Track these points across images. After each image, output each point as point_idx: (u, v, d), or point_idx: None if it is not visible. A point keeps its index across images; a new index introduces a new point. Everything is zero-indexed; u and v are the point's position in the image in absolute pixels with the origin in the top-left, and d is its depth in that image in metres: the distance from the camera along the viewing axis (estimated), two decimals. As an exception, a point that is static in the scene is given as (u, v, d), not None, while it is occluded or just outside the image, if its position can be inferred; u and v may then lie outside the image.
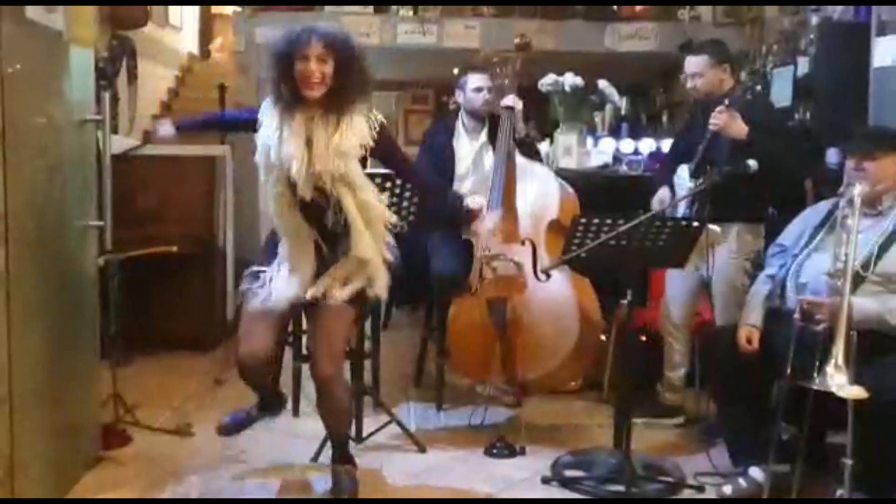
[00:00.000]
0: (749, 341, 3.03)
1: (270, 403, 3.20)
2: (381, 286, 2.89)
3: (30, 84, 2.64)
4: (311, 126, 2.75)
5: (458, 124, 4.23)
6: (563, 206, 3.78)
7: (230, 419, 3.14)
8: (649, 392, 3.92)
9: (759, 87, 5.41)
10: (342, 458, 3.08)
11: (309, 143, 2.74)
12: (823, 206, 3.24)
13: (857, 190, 2.83)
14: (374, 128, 2.85)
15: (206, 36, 9.50)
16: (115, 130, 3.50)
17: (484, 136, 4.17)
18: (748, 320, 3.10)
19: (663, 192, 3.83)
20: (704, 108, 3.70)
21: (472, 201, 3.74)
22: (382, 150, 2.95)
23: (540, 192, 3.83)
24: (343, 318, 2.89)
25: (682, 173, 3.75)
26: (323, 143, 2.74)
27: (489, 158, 4.07)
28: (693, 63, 3.72)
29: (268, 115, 2.81)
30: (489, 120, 4.16)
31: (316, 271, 2.86)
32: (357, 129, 2.80)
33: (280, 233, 2.88)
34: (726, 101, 3.50)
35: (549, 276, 3.54)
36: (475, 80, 4.13)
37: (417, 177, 3.36)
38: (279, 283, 2.85)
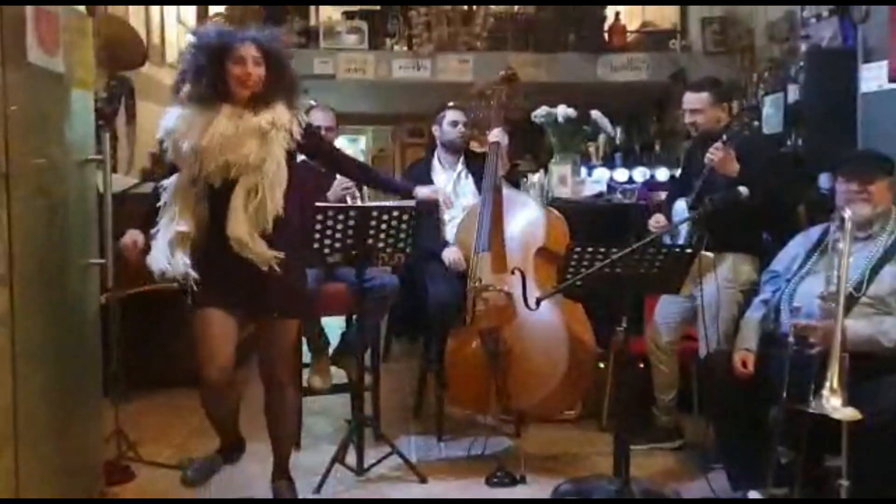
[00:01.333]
0: (744, 365, 3.06)
1: (231, 448, 3.21)
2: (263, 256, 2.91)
3: (31, 126, 2.68)
4: (238, 121, 2.86)
5: (434, 158, 4.35)
6: (550, 232, 3.82)
7: (194, 471, 3.13)
8: (647, 418, 3.93)
9: (755, 123, 5.49)
10: (285, 472, 3.18)
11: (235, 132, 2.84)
12: (815, 231, 3.28)
13: (848, 213, 2.87)
14: (301, 124, 2.97)
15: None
16: (114, 169, 3.55)
17: (460, 166, 4.30)
18: (743, 345, 3.13)
19: (658, 216, 3.90)
20: (702, 145, 3.74)
21: (446, 257, 3.97)
22: (310, 145, 3.04)
23: (526, 221, 3.88)
24: (293, 332, 3.10)
25: (680, 207, 3.78)
26: (235, 133, 2.84)
27: (468, 185, 4.22)
28: (693, 100, 3.76)
29: (182, 115, 2.89)
30: (465, 154, 4.31)
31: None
32: (281, 117, 2.90)
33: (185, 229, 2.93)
34: (724, 138, 3.53)
35: (538, 304, 3.56)
36: (452, 115, 4.28)
37: (349, 164, 3.39)
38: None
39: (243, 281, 2.90)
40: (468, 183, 4.24)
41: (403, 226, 3.42)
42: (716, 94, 3.75)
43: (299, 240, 3.12)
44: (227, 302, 2.93)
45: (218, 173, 2.87)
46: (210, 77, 2.85)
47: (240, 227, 2.85)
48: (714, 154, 3.50)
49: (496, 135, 4.04)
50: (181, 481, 3.12)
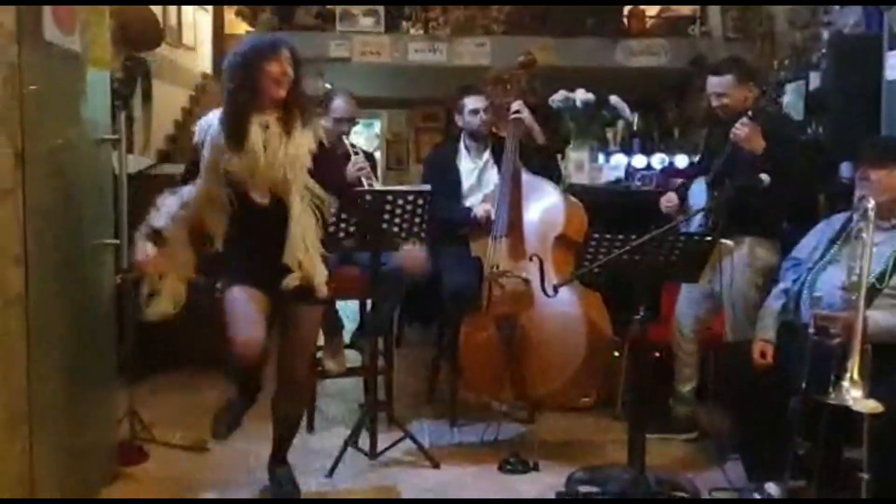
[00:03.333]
0: (763, 356, 3.03)
1: (249, 389, 3.14)
2: (319, 284, 2.97)
3: (47, 105, 2.67)
4: (266, 134, 2.86)
5: (461, 145, 4.27)
6: (570, 220, 3.78)
7: (221, 423, 3.11)
8: (662, 407, 3.91)
9: (781, 99, 5.42)
10: (284, 459, 3.18)
11: (264, 149, 2.85)
12: (837, 218, 3.23)
13: (872, 203, 2.83)
14: (319, 138, 2.99)
15: (219, 55, 9.57)
16: (129, 150, 3.53)
17: (486, 155, 4.20)
18: (762, 335, 3.09)
19: (670, 194, 3.87)
20: (724, 124, 3.69)
21: (478, 210, 3.89)
22: (323, 162, 3.01)
23: (545, 208, 3.83)
24: (317, 322, 3.11)
25: (698, 186, 3.75)
26: (279, 150, 2.86)
27: (493, 174, 4.12)
28: (718, 84, 3.70)
29: (214, 129, 2.90)
30: (492, 140, 4.19)
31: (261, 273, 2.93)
32: (307, 139, 2.94)
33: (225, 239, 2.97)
34: (749, 114, 3.49)
35: (556, 291, 3.54)
36: (472, 102, 4.16)
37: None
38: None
39: (269, 270, 2.90)
40: (493, 172, 4.13)
41: (419, 210, 3.40)
42: (739, 74, 3.69)
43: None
44: (259, 282, 2.94)
45: (266, 190, 2.88)
46: (245, 85, 2.84)
47: (299, 251, 2.91)
48: (740, 130, 3.45)
49: (517, 106, 3.93)
50: (212, 435, 3.12)
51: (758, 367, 3.02)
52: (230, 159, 2.85)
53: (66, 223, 2.85)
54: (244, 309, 2.90)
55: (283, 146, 2.87)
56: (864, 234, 2.75)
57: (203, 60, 8.41)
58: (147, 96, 5.43)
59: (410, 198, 3.38)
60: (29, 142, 2.52)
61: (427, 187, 3.63)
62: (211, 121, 2.94)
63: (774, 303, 3.16)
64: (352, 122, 4.23)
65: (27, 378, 2.55)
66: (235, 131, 2.84)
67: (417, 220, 3.42)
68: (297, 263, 2.90)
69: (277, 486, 3.13)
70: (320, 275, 2.96)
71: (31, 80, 2.52)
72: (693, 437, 3.83)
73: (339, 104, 4.12)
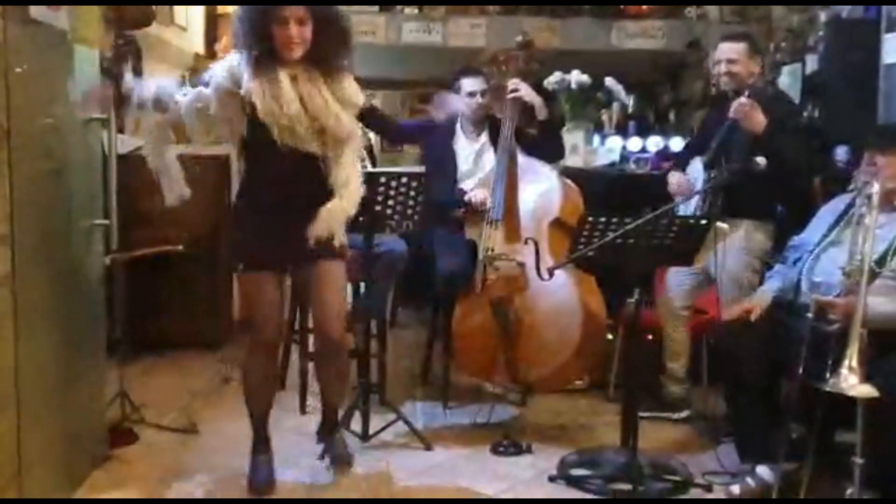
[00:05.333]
0: (748, 312, 3.08)
1: (265, 445, 3.15)
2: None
3: (35, 84, 2.63)
4: (297, 85, 2.76)
5: (457, 127, 4.20)
6: (566, 203, 3.76)
7: (257, 478, 3.06)
8: (655, 388, 3.90)
9: (778, 80, 5.40)
10: (336, 426, 3.23)
11: (302, 101, 2.76)
12: (840, 200, 3.23)
13: (876, 188, 2.81)
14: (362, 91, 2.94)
15: (211, 35, 9.49)
16: (120, 130, 3.49)
17: (484, 137, 4.15)
18: (755, 298, 3.15)
19: (677, 174, 3.83)
20: (722, 104, 3.67)
21: (474, 196, 3.82)
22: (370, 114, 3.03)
23: (541, 191, 3.81)
24: (342, 276, 3.03)
25: (697, 165, 3.73)
26: (319, 100, 2.78)
27: (490, 157, 4.06)
28: (732, 49, 3.66)
29: (240, 69, 2.79)
30: (490, 122, 4.13)
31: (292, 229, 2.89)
32: (347, 85, 2.86)
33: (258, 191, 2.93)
34: (747, 93, 3.47)
35: (551, 275, 3.52)
36: (468, 84, 4.09)
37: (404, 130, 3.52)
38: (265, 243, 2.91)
39: (292, 235, 2.87)
40: (490, 154, 4.07)
41: (412, 192, 3.37)
42: (752, 44, 3.67)
43: None
44: (275, 261, 2.94)
45: (309, 139, 2.80)
46: (255, 45, 2.74)
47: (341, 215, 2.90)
48: (740, 108, 3.42)
49: (514, 84, 3.86)
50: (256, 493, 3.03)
51: (737, 317, 3.12)
52: (273, 115, 2.74)
53: (55, 203, 2.82)
54: (267, 294, 2.92)
55: (322, 93, 2.78)
56: (866, 220, 2.73)
57: (195, 40, 8.34)
58: (138, 76, 5.38)
59: (404, 179, 3.35)
60: (15, 120, 2.48)
61: (421, 169, 3.59)
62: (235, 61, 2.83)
63: (772, 283, 3.16)
64: None
65: (15, 359, 2.52)
66: (260, 79, 2.74)
67: (411, 202, 3.39)
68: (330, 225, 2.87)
69: (333, 453, 3.19)
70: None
71: (17, 58, 2.48)
72: (685, 416, 3.83)
73: None
